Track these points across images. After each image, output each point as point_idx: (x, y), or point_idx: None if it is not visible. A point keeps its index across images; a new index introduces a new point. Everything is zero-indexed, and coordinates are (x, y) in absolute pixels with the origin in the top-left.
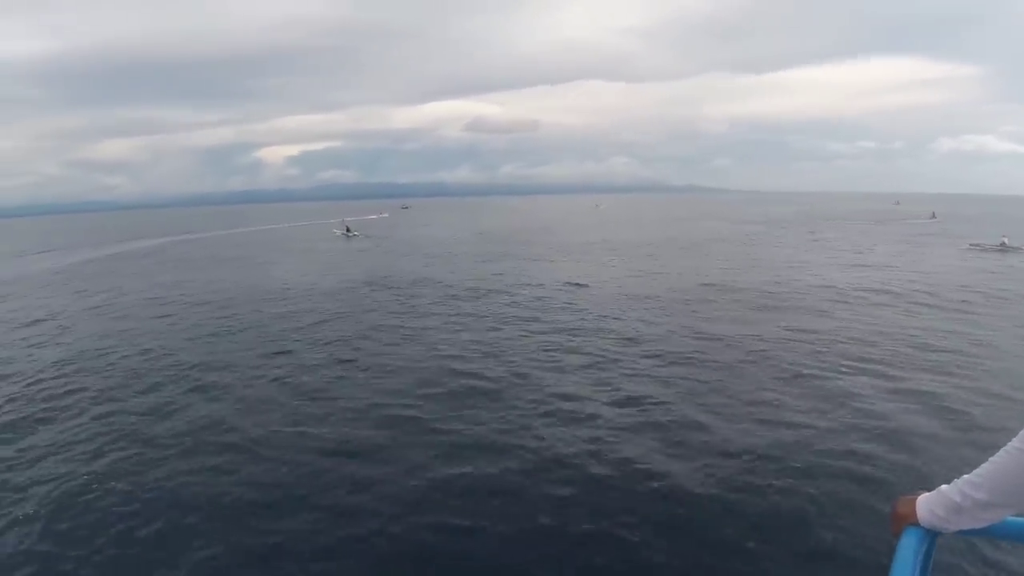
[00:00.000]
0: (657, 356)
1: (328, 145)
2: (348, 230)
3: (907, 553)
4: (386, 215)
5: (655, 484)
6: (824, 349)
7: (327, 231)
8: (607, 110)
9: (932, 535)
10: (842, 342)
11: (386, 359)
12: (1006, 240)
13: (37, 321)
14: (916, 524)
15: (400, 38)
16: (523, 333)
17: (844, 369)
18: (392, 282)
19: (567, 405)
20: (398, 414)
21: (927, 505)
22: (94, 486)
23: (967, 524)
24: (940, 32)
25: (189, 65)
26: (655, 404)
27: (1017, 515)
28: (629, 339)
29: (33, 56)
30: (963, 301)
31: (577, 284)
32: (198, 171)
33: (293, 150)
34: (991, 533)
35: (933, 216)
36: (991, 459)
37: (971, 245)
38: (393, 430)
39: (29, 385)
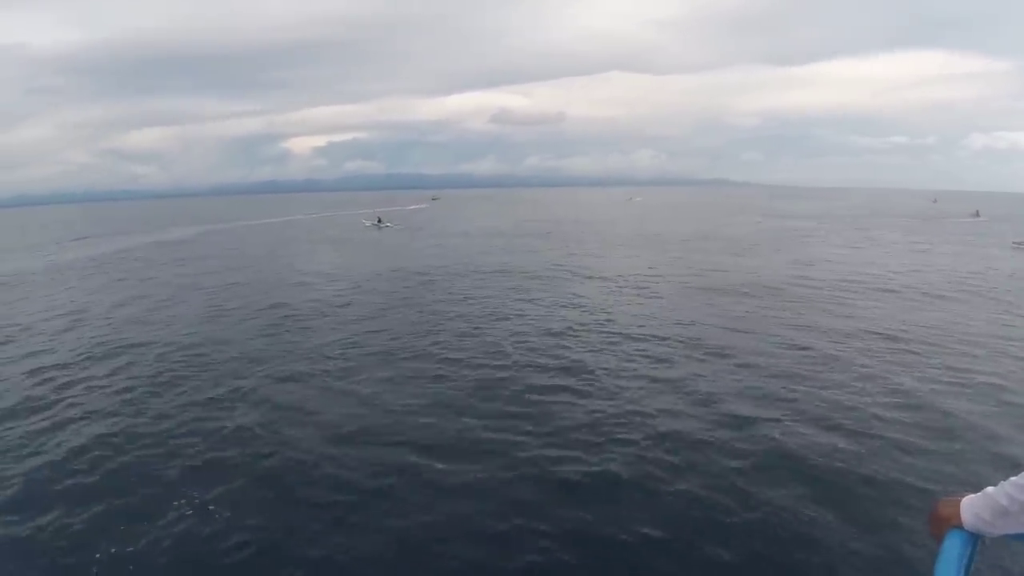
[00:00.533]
0: (747, 367)
1: (355, 136)
2: (379, 221)
3: (950, 557)
4: (425, 206)
5: (787, 529)
6: (927, 361)
7: (363, 220)
8: (634, 102)
9: (975, 538)
10: (943, 353)
11: (460, 367)
12: None
13: (81, 312)
14: (959, 527)
15: (427, 30)
16: (600, 336)
17: (949, 382)
18: (445, 273)
19: (668, 425)
20: (482, 436)
21: (971, 508)
22: (164, 499)
23: (1013, 528)
24: (974, 25)
25: (219, 56)
26: (767, 422)
27: None
28: (707, 343)
29: (64, 47)
30: None
31: (641, 285)
32: (227, 161)
33: (320, 141)
34: None
35: (977, 215)
36: None
37: (1015, 244)
38: (474, 444)
39: (77, 382)
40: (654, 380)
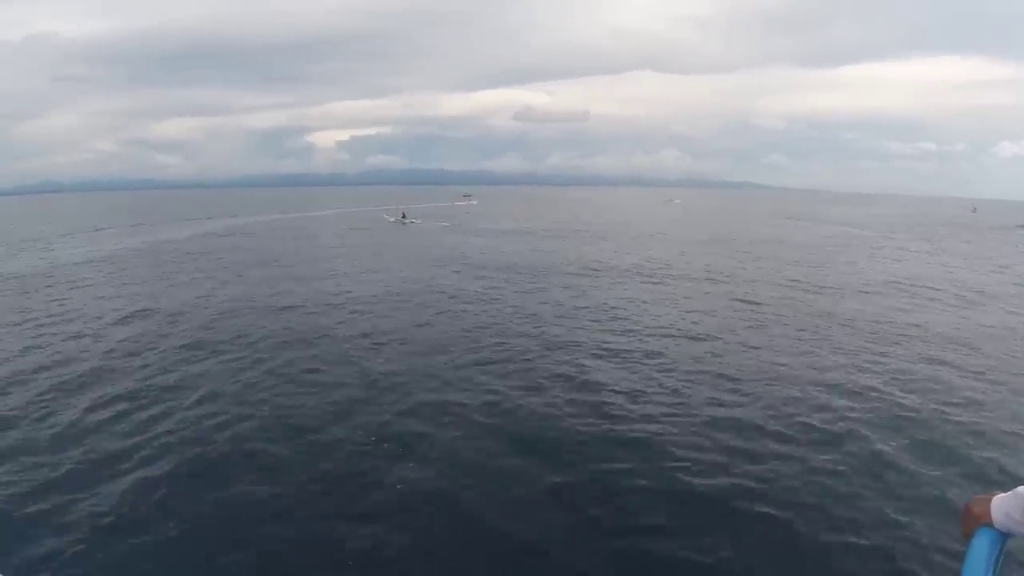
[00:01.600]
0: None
1: (378, 131)
2: (404, 216)
3: (979, 555)
4: (475, 202)
5: None
6: None
7: (386, 216)
8: (659, 102)
9: (1004, 537)
10: None
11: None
12: None
13: (148, 310)
14: (989, 525)
15: (455, 25)
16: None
17: None
18: (528, 273)
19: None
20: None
21: (1002, 507)
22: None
23: None
24: (1009, 31)
25: (247, 48)
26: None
27: None
28: (850, 374)
29: (93, 36)
30: None
31: (750, 301)
32: (251, 153)
33: (343, 135)
34: None
35: None
36: None
37: None
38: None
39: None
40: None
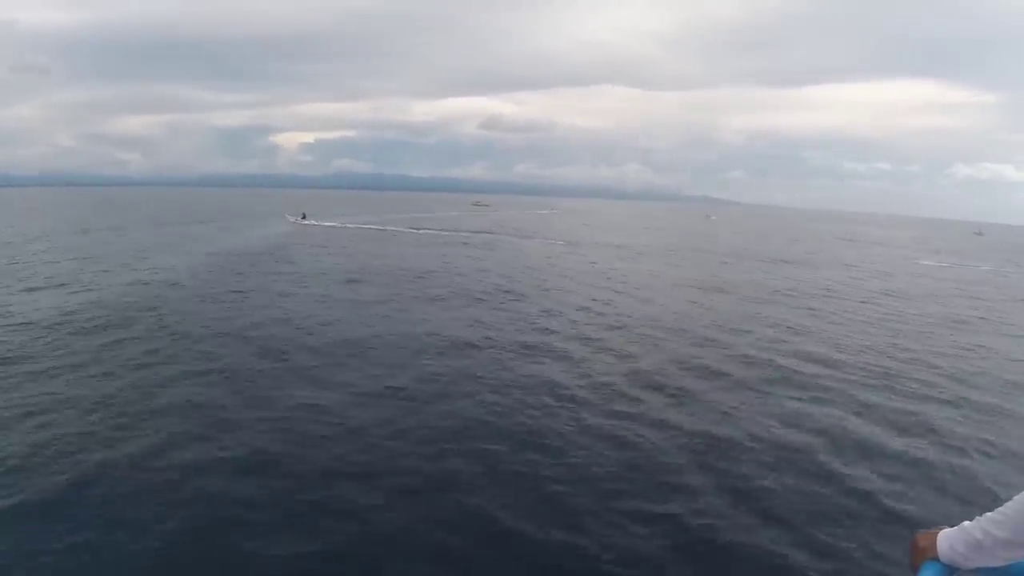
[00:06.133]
0: None
1: (343, 134)
2: (304, 216)
3: None
4: (554, 211)
5: None
6: None
7: (288, 216)
8: (624, 115)
9: (951, 571)
10: None
11: None
12: None
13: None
14: (935, 559)
15: (425, 31)
16: None
17: None
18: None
19: None
20: None
21: (948, 541)
22: None
23: (987, 562)
24: (964, 56)
25: (212, 44)
26: None
27: None
28: None
29: (55, 26)
30: None
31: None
32: (213, 152)
33: (308, 137)
34: (1010, 573)
35: None
36: (1015, 498)
37: None
38: None
39: None
40: None
